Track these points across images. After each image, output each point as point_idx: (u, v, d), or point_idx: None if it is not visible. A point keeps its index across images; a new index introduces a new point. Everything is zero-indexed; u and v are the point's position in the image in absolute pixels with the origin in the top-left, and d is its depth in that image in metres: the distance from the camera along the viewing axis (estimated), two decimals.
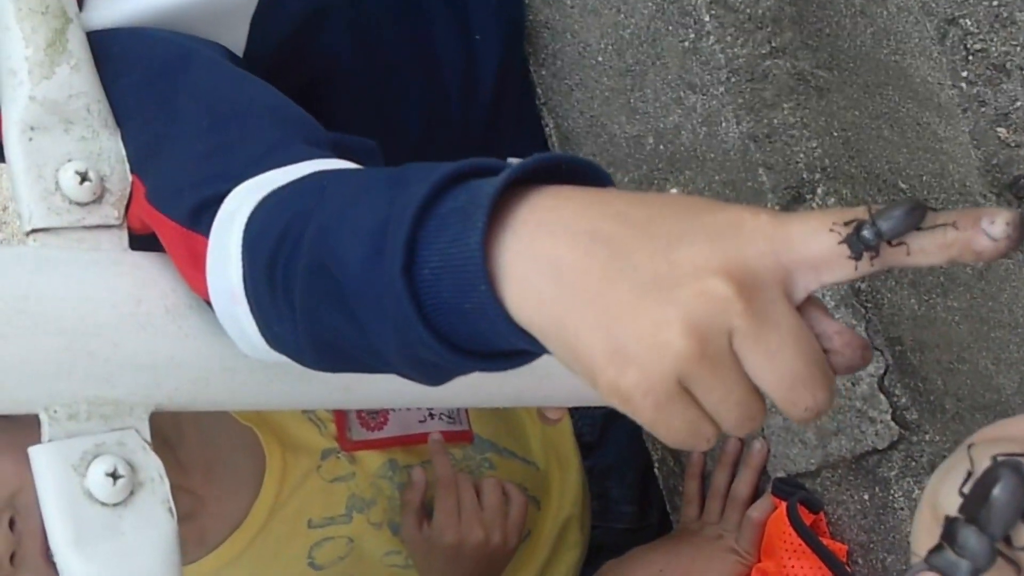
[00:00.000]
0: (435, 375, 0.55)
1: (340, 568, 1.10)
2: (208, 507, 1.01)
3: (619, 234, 0.46)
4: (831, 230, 0.45)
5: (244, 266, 0.59)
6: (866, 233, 0.45)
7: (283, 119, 0.70)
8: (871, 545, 1.00)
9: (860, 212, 0.45)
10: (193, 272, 0.64)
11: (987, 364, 1.06)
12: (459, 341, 0.50)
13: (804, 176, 1.05)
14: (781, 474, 1.06)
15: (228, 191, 0.62)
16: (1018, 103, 1.16)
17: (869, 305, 1.01)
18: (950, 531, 0.41)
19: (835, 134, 1.08)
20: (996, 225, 0.42)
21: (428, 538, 1.08)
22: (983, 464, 0.42)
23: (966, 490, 0.42)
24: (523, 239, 0.48)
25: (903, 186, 1.09)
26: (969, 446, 0.43)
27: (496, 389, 0.86)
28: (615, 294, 0.45)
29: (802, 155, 1.05)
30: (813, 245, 0.45)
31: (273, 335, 0.60)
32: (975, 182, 1.15)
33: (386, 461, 1.13)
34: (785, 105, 1.07)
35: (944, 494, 0.43)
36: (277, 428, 1.06)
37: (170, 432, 0.98)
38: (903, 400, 0.99)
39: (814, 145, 1.06)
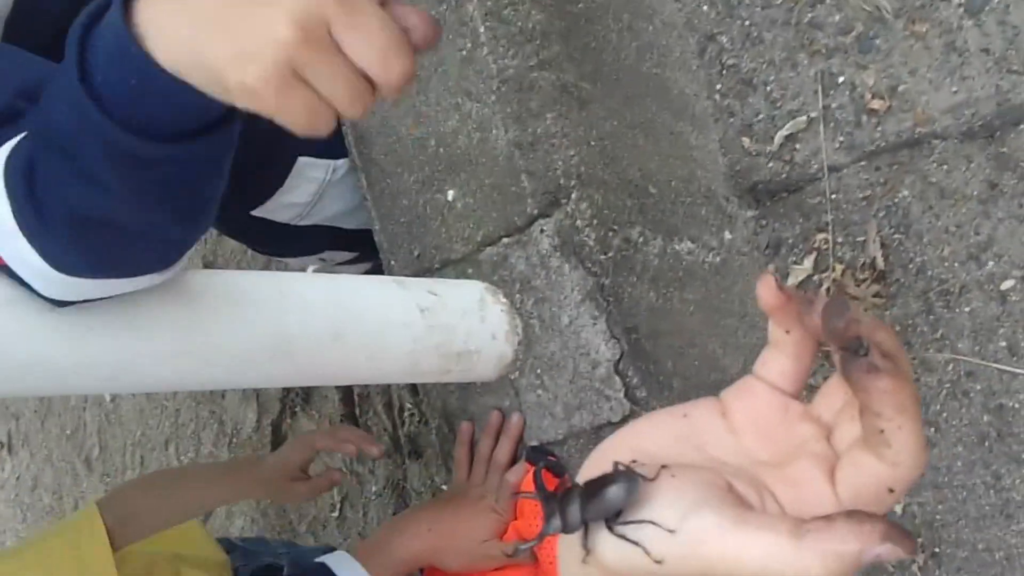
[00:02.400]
0: (163, 189, 0.63)
1: None
2: None
3: None
4: None
5: (10, 200, 0.64)
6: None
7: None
8: None
9: None
10: None
11: (715, 348, 1.13)
12: (150, 129, 0.57)
13: (561, 183, 1.10)
14: (535, 443, 1.12)
15: None
16: (761, 116, 1.23)
17: (611, 299, 1.07)
18: (567, 496, 0.45)
19: (593, 143, 1.13)
20: None
21: None
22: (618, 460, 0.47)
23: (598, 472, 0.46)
24: None
25: (652, 190, 1.16)
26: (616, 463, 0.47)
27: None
28: (233, 8, 0.52)
29: (560, 163, 1.10)
30: None
31: (45, 252, 0.66)
32: (720, 187, 1.22)
33: None
34: (548, 115, 1.12)
35: (587, 471, 0.48)
36: None
37: None
38: (635, 380, 1.06)
39: (572, 153, 1.11)
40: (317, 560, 1.13)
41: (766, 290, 0.43)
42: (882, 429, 0.39)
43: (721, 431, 0.47)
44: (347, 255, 1.45)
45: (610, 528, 0.44)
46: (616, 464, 0.46)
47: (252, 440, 2.84)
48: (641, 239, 1.13)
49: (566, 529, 0.45)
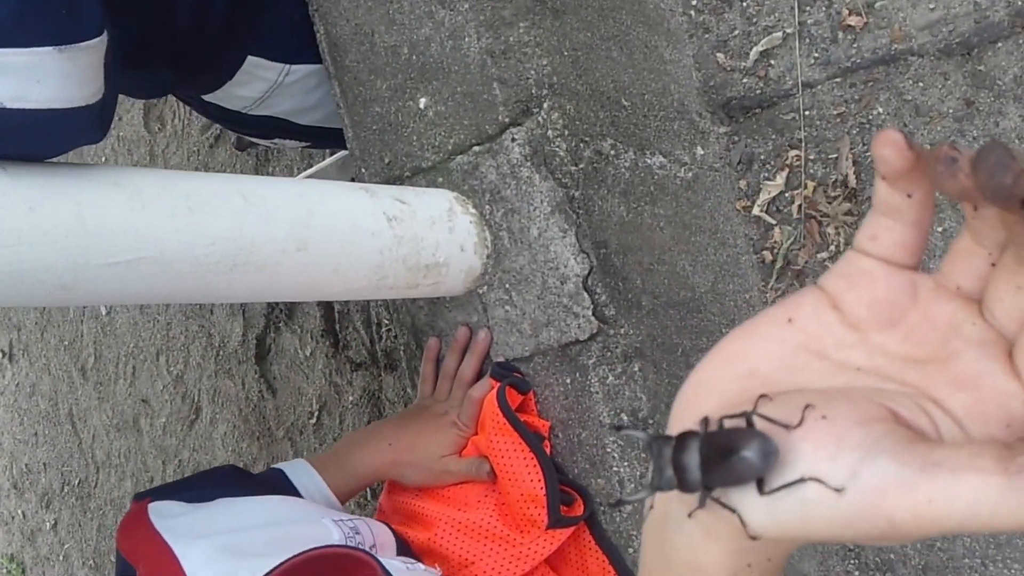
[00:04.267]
0: None
1: None
2: None
3: None
4: None
5: None
6: None
7: None
8: (569, 422, 1.00)
9: None
10: None
11: (685, 265, 1.05)
12: None
13: (533, 92, 1.01)
14: (501, 359, 1.04)
15: None
16: (736, 31, 1.14)
17: (581, 212, 0.99)
18: (685, 444, 0.35)
19: (566, 53, 1.04)
20: None
21: None
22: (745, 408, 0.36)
23: (727, 424, 0.35)
24: None
25: (625, 103, 1.06)
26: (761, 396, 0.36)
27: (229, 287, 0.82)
28: None
29: (533, 72, 1.01)
30: None
31: None
32: (693, 102, 1.13)
33: None
34: (521, 24, 1.02)
35: (686, 407, 0.38)
36: None
37: None
38: (603, 298, 0.98)
39: (544, 63, 1.01)
40: (274, 467, 1.06)
41: (892, 149, 0.32)
42: None
43: (841, 330, 0.36)
44: (298, 143, 1.36)
45: (759, 490, 0.33)
46: (748, 417, 0.35)
47: (238, 353, 2.78)
48: (613, 152, 1.04)
49: (684, 489, 0.35)
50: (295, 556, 0.76)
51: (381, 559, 0.81)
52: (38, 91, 0.69)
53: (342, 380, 2.42)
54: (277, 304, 2.72)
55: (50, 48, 0.68)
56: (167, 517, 0.84)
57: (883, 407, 0.33)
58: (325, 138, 1.31)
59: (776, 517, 0.33)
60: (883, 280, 0.36)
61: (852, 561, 0.99)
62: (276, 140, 1.33)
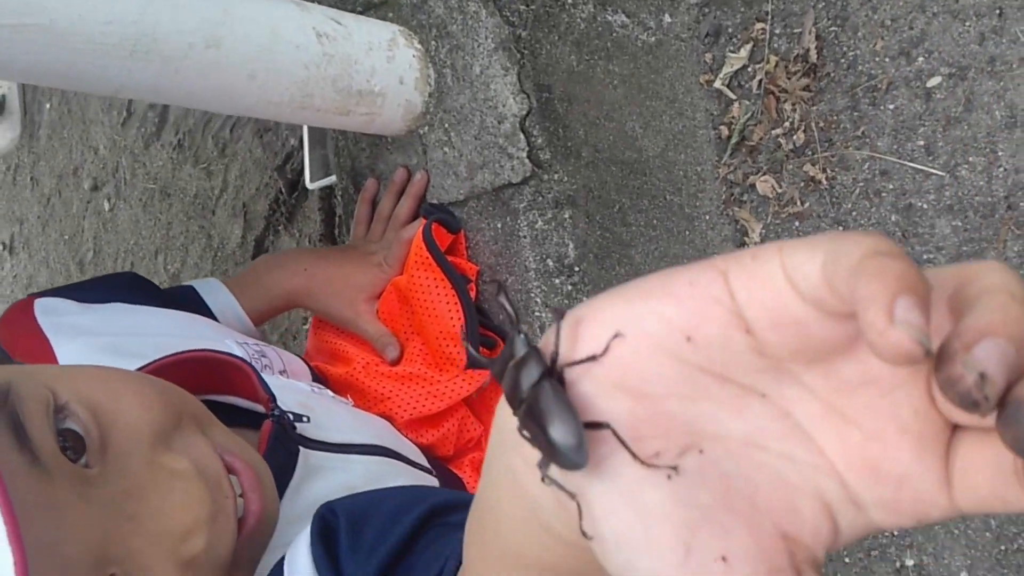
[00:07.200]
0: None
1: None
2: None
3: None
4: None
5: None
6: None
7: None
8: (497, 267, 1.02)
9: None
10: None
11: (635, 127, 1.06)
12: None
13: None
14: (435, 201, 1.06)
15: None
16: None
17: (526, 52, 1.00)
18: (523, 365, 0.31)
19: None
20: None
21: None
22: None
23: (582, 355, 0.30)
24: None
25: None
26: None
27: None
28: None
29: None
30: None
31: None
32: None
33: None
34: None
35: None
36: None
37: None
38: (540, 141, 0.99)
39: None
40: (185, 284, 1.06)
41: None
42: None
43: (751, 356, 0.29)
44: None
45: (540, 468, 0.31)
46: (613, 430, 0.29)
47: (236, 255, 2.83)
48: (570, 1, 1.05)
49: (506, 393, 0.31)
50: (171, 355, 0.73)
51: (263, 375, 0.78)
52: None
53: None
54: (279, 207, 2.76)
55: None
56: (53, 314, 0.83)
57: (781, 541, 0.29)
58: None
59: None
60: (817, 328, 0.28)
61: None
62: None
